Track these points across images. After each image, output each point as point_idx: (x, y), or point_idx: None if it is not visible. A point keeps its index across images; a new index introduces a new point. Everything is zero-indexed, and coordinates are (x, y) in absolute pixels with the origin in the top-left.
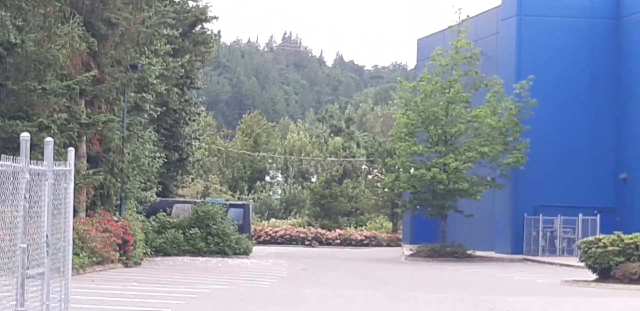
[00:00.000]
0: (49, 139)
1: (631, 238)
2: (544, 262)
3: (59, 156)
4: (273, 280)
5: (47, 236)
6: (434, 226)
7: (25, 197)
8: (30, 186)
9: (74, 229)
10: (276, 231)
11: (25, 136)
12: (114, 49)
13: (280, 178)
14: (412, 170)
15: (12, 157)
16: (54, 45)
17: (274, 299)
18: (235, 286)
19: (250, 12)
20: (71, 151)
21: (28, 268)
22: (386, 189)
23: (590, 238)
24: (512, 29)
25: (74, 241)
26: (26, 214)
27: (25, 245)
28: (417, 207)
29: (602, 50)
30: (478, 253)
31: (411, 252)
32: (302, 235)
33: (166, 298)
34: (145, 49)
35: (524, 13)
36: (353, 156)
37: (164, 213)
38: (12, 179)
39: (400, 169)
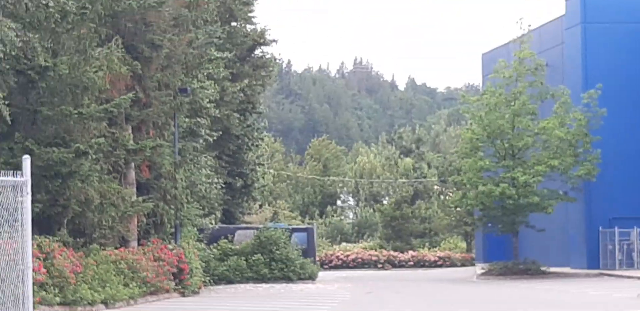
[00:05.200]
0: None
1: None
2: (621, 276)
3: (101, 183)
4: (334, 304)
5: None
6: (506, 244)
7: None
8: None
9: (122, 259)
10: (347, 255)
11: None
12: (160, 72)
13: (351, 201)
14: (479, 186)
15: None
16: (90, 68)
17: None
18: None
19: (320, 39)
20: (27, 159)
21: None
22: (459, 209)
23: None
24: (577, 38)
25: (122, 272)
26: None
27: None
28: (488, 224)
29: None
30: (552, 269)
31: (483, 271)
32: (374, 258)
33: None
34: (197, 73)
35: (589, 21)
36: (424, 177)
37: (226, 240)
38: None
39: (468, 186)
